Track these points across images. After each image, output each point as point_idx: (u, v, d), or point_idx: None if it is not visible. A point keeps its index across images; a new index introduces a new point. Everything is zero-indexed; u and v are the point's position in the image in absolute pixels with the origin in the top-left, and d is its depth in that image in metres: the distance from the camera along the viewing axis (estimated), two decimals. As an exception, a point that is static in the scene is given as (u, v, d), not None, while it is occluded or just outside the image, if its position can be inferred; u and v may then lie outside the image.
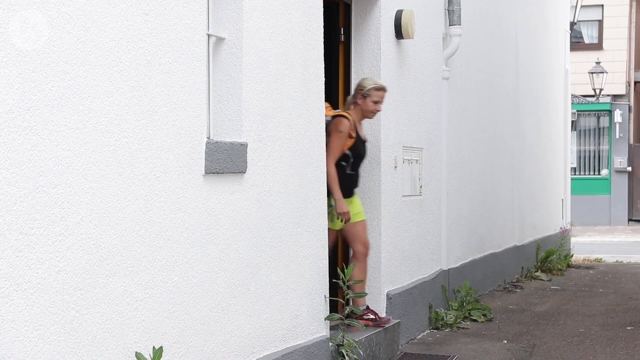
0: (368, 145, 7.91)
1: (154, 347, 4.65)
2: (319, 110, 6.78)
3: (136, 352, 4.62)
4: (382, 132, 8.27)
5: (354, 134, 7.43)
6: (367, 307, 7.86)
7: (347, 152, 7.45)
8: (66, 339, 4.20)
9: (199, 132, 5.26)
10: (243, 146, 5.71)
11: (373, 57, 8.25)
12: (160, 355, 4.62)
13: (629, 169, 27.32)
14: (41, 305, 4.05)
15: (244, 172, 5.72)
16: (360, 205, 7.78)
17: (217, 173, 5.42)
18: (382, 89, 7.57)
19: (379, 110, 7.66)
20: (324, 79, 6.86)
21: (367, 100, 7.56)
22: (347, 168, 7.45)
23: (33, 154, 3.99)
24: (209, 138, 5.50)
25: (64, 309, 4.19)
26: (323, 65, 6.84)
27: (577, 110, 26.55)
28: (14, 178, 3.89)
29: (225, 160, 5.49)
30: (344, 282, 7.15)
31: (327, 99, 7.05)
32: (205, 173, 5.30)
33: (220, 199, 5.49)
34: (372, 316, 7.79)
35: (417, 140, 9.27)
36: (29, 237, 3.98)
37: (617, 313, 10.74)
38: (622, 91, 27.78)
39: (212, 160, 5.35)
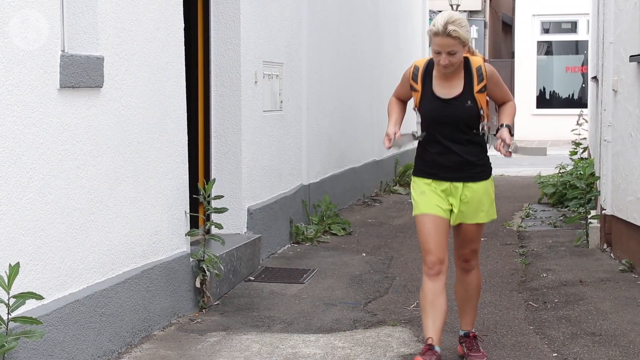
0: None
1: (10, 265, 4.56)
2: (178, 23, 6.66)
3: (-9, 270, 4.52)
4: (242, 46, 8.19)
5: (417, 87, 5.52)
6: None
7: (414, 110, 5.60)
8: None
9: (53, 45, 5.10)
10: (99, 60, 5.57)
11: (232, -31, 8.13)
12: (17, 273, 4.53)
13: (484, 84, 27.88)
14: None
15: (101, 87, 5.60)
16: (438, 197, 5.56)
17: (73, 87, 5.29)
18: (437, 33, 5.27)
19: (444, 65, 5.34)
20: (182, -8, 6.73)
21: (431, 46, 5.42)
22: (417, 133, 5.60)
23: None
24: (63, 51, 5.35)
25: None
26: (181, -22, 6.70)
27: (435, 26, 26.83)
28: None
29: (81, 74, 5.35)
30: (204, 198, 7.12)
31: (185, 13, 6.92)
32: (60, 87, 5.16)
33: (77, 113, 5.36)
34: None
35: (277, 55, 9.22)
36: None
37: (472, 225, 11.00)
38: (478, 7, 28.18)
39: (67, 74, 5.21)
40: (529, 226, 10.83)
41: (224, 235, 7.63)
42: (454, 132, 5.47)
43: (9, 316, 4.54)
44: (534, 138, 26.13)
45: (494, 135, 5.57)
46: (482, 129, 5.53)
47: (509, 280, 8.02)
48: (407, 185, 14.85)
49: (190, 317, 6.73)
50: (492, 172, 5.68)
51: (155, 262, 6.33)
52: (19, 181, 4.83)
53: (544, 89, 27.65)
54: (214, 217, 7.80)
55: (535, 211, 12.01)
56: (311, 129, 10.49)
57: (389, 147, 5.51)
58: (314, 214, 10.34)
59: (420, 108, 5.54)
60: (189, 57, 7.41)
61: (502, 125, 5.55)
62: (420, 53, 17.67)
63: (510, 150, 5.43)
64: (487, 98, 5.56)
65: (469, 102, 5.44)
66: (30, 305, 4.83)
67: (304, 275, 8.11)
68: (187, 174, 6.86)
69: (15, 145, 4.78)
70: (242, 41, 8.20)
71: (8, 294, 4.52)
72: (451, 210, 5.57)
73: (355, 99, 12.64)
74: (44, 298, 4.80)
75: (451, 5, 26.95)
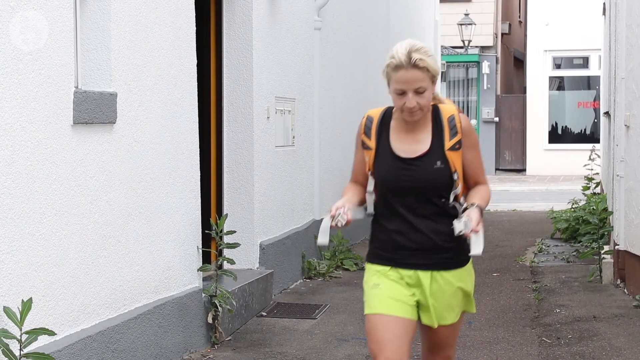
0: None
1: (22, 301, 4.56)
2: (191, 59, 6.69)
3: (4, 306, 4.52)
4: (254, 82, 8.22)
5: (370, 143, 4.26)
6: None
7: (369, 173, 4.28)
8: None
9: (67, 81, 5.13)
10: (112, 96, 5.60)
11: (245, 6, 8.18)
12: (29, 309, 4.53)
13: (496, 119, 27.84)
14: None
15: (114, 123, 5.62)
16: (398, 290, 4.24)
17: (86, 123, 5.31)
18: (399, 65, 4.07)
19: (411, 109, 4.09)
20: (195, 28, 6.77)
21: (390, 87, 4.15)
22: (371, 205, 4.33)
23: None
24: (77, 87, 5.38)
25: None
26: (194, 14, 6.75)
27: (447, 62, 26.89)
28: None
29: (94, 110, 5.38)
30: (216, 233, 7.13)
31: (198, 49, 6.96)
32: (74, 123, 5.19)
33: (90, 149, 5.38)
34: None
35: (290, 90, 9.25)
36: None
37: (483, 260, 10.98)
38: (490, 42, 28.24)
39: (80, 110, 5.23)
40: (542, 261, 10.79)
41: (236, 270, 7.62)
42: (419, 202, 4.14)
43: (21, 352, 4.53)
44: (547, 173, 26.09)
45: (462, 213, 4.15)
46: (455, 199, 4.17)
47: (522, 315, 7.98)
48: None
49: (202, 353, 6.72)
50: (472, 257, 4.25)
51: (168, 297, 6.32)
52: (32, 217, 4.84)
53: (556, 124, 27.64)
54: (226, 252, 7.79)
55: (548, 246, 11.97)
56: (323, 164, 10.50)
57: (332, 226, 4.09)
58: (326, 249, 10.34)
59: (374, 171, 4.22)
60: (202, 93, 7.45)
61: (472, 205, 4.11)
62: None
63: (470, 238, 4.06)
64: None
65: (439, 162, 4.12)
66: (42, 341, 4.82)
67: (316, 311, 8.09)
68: (200, 209, 6.87)
69: (28, 181, 4.80)
70: (255, 77, 8.23)
71: (20, 329, 4.52)
72: (418, 305, 4.22)
73: (367, 134, 12.62)
74: (56, 334, 4.80)
75: (463, 41, 27.02)
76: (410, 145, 4.18)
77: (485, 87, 28.12)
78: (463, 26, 26.93)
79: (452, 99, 28.35)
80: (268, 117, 8.59)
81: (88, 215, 5.37)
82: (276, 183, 8.86)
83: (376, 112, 4.29)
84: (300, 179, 9.63)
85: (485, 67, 27.87)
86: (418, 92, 4.05)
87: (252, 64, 8.14)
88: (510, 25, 29.81)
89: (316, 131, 10.23)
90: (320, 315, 7.97)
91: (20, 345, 4.53)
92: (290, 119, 9.31)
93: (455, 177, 4.16)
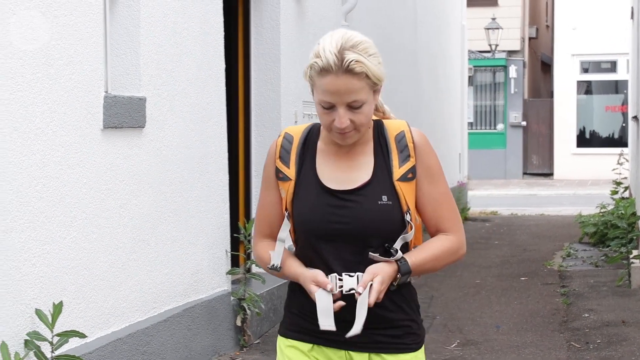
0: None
1: (53, 303, 4.60)
2: (219, 64, 6.73)
3: (35, 308, 4.57)
4: (282, 86, 8.25)
5: (288, 172, 3.04)
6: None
7: (286, 216, 3.04)
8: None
9: (97, 86, 5.18)
10: (142, 100, 5.64)
11: (272, 11, 8.21)
12: (60, 311, 4.57)
13: (524, 123, 27.77)
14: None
15: (143, 127, 5.66)
16: None
17: (116, 127, 5.35)
18: (327, 68, 2.85)
19: (342, 130, 2.90)
20: (223, 33, 6.81)
21: (315, 97, 2.95)
22: (274, 261, 3.08)
23: None
24: (106, 92, 5.43)
25: (-40, 266, 4.11)
26: (222, 19, 6.79)
27: (474, 66, 26.84)
28: None
29: (124, 114, 5.42)
30: (245, 237, 7.15)
31: (226, 53, 7.00)
32: (104, 127, 5.23)
33: (119, 153, 5.42)
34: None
35: (317, 94, 9.27)
36: None
37: (511, 264, 10.97)
38: (517, 47, 28.17)
39: (110, 115, 5.28)
40: (570, 266, 10.76)
41: (265, 273, 7.63)
42: (356, 253, 2.93)
43: (53, 354, 4.58)
44: (574, 177, 25.99)
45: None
46: (405, 248, 2.98)
47: (550, 320, 7.96)
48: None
49: (231, 356, 6.75)
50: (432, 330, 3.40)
51: (197, 300, 6.35)
52: (63, 220, 4.88)
53: (584, 128, 27.52)
54: (254, 256, 7.82)
55: (576, 250, 11.93)
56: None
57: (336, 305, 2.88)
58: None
59: (293, 211, 3.01)
60: (230, 97, 7.48)
61: (398, 258, 2.91)
62: (459, 94, 17.68)
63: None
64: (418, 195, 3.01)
65: (385, 197, 2.94)
66: (73, 344, 4.86)
67: (344, 315, 8.08)
68: (228, 212, 6.91)
69: (59, 185, 4.85)
70: (282, 81, 8.26)
71: (52, 332, 4.56)
72: None
73: (394, 138, 12.63)
74: (86, 336, 4.84)
75: (490, 45, 26.98)
76: (345, 173, 2.98)
77: (512, 92, 28.05)
78: (490, 30, 26.89)
79: (479, 103, 28.34)
80: (296, 121, 8.62)
81: (118, 218, 5.41)
82: (304, 187, 8.87)
83: (297, 130, 3.07)
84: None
85: (513, 72, 27.80)
86: (352, 106, 2.84)
87: (280, 68, 8.17)
88: (537, 29, 29.72)
89: (343, 135, 10.24)
90: (348, 319, 7.96)
91: (52, 347, 4.57)
92: (318, 123, 9.31)
93: (408, 217, 2.94)
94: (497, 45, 27.14)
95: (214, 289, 6.63)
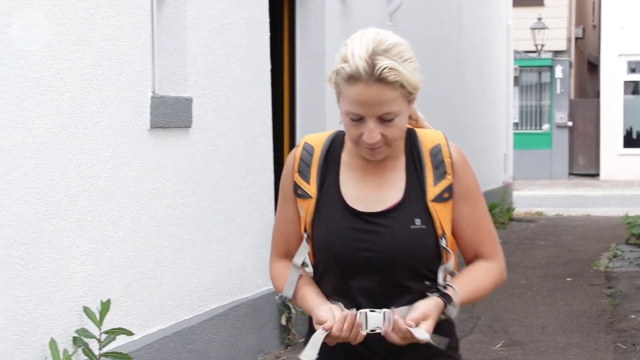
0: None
1: (101, 301, 4.66)
2: (265, 65, 6.76)
3: (84, 306, 4.63)
4: (327, 86, 8.26)
5: (309, 188, 2.67)
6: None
7: (305, 239, 2.69)
8: (12, 294, 4.19)
9: (144, 86, 5.23)
10: (188, 101, 5.69)
11: (317, 11, 8.23)
12: (108, 309, 4.63)
13: (570, 123, 27.59)
14: (-13, 260, 4.03)
15: (190, 127, 5.71)
16: None
17: (163, 127, 5.40)
18: (356, 76, 2.49)
19: (372, 146, 2.54)
20: (269, 34, 6.84)
21: (341, 106, 2.61)
22: (285, 293, 2.78)
23: (-24, 108, 3.95)
24: (154, 93, 5.48)
25: (9, 263, 4.18)
26: (268, 20, 6.82)
27: (519, 66, 26.72)
28: (-43, 132, 3.85)
29: (171, 114, 5.47)
30: (289, 236, 7.17)
31: (271, 54, 7.03)
32: (151, 127, 5.29)
33: (166, 153, 5.48)
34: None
35: (362, 95, 9.28)
36: (-26, 191, 3.95)
37: (557, 265, 10.91)
38: (563, 47, 27.99)
39: (157, 115, 5.33)
40: (617, 267, 10.68)
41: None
42: (386, 286, 2.59)
43: (101, 351, 4.63)
44: (621, 178, 25.77)
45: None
46: (445, 279, 2.61)
47: (596, 321, 7.91)
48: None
49: (275, 355, 6.78)
50: None
51: (242, 299, 6.40)
52: (111, 219, 4.94)
53: (631, 128, 27.28)
54: (299, 255, 7.85)
55: (622, 252, 11.84)
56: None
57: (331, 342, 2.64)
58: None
59: (313, 233, 2.65)
60: (275, 98, 7.52)
61: (441, 294, 2.57)
62: (505, 94, 17.61)
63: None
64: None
65: (418, 220, 2.58)
66: (120, 341, 4.92)
67: (389, 315, 8.09)
68: (273, 212, 6.94)
69: (107, 184, 4.90)
70: (327, 71, 8.27)
71: (99, 329, 4.62)
72: None
73: (439, 138, 12.61)
74: (134, 334, 4.89)
75: (536, 45, 26.83)
76: (373, 191, 2.62)
77: (558, 92, 27.87)
78: (536, 30, 26.74)
79: (524, 103, 28.20)
80: (340, 122, 8.62)
81: (164, 217, 5.46)
82: (348, 187, 8.89)
83: (318, 140, 2.72)
84: (372, 183, 9.65)
85: (559, 72, 27.63)
86: (384, 119, 2.51)
87: (325, 69, 8.19)
88: (584, 29, 29.52)
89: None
90: (393, 318, 7.98)
91: (100, 345, 4.63)
92: (363, 123, 9.33)
93: (444, 243, 2.59)
94: (543, 46, 26.99)
95: (259, 288, 6.67)
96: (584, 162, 27.88)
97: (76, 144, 4.64)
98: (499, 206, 15.38)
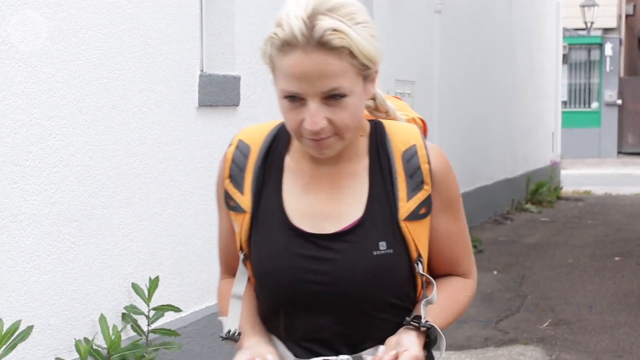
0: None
1: (150, 278, 4.71)
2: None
3: (132, 282, 4.67)
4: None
5: (242, 200, 2.14)
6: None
7: (241, 260, 2.16)
8: (62, 270, 4.24)
9: (192, 64, 5.26)
10: (236, 79, 5.71)
11: (365, -11, 8.22)
12: (156, 286, 4.67)
13: (619, 102, 27.33)
14: (37, 237, 4.09)
15: (237, 105, 5.73)
16: None
17: (211, 106, 5.43)
18: (291, 41, 1.91)
19: (316, 135, 1.93)
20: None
21: (276, 85, 2.03)
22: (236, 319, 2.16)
23: (27, 87, 3.99)
24: (202, 71, 5.50)
25: (60, 240, 4.23)
26: None
27: (569, 44, 26.49)
28: (8, 110, 3.90)
29: (219, 93, 5.49)
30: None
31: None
32: (199, 106, 5.31)
33: (214, 131, 5.50)
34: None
35: (410, 73, 9.27)
36: (24, 168, 4.00)
37: (605, 244, 10.84)
38: (613, 24, 27.69)
39: (205, 93, 5.35)
40: (666, 246, 10.60)
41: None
42: (341, 325, 2.05)
43: (149, 327, 4.68)
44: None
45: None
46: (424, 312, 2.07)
47: (644, 301, 7.87)
48: (539, 203, 14.71)
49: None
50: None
51: (289, 277, 6.42)
52: (160, 197, 4.98)
53: (682, 106, 26.98)
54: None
55: (672, 231, 11.75)
56: (442, 147, 10.44)
57: None
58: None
59: (251, 256, 2.14)
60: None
61: (415, 322, 2.04)
62: (554, 72, 17.47)
63: None
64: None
65: (383, 244, 2.02)
66: (168, 318, 4.96)
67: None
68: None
69: (156, 162, 4.94)
70: (375, 60, 8.26)
71: (148, 306, 4.66)
72: None
73: (487, 115, 12.57)
74: (181, 310, 4.93)
75: (585, 23, 26.57)
76: (325, 206, 2.04)
77: (607, 70, 27.61)
78: (586, 8, 26.48)
79: (573, 81, 27.95)
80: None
81: (212, 196, 5.48)
82: (395, 165, 8.89)
83: (257, 136, 2.15)
84: (419, 161, 9.64)
85: (608, 49, 27.36)
86: (331, 98, 1.92)
87: (372, 47, 8.18)
88: (634, 6, 29.18)
89: (435, 114, 10.23)
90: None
91: (148, 321, 4.67)
92: (410, 101, 9.32)
93: (420, 269, 2.05)
94: (592, 23, 26.72)
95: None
96: (633, 141, 27.62)
97: (125, 122, 4.67)
98: (546, 185, 15.30)
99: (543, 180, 15.49)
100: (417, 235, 2.01)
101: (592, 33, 27.18)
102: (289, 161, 2.08)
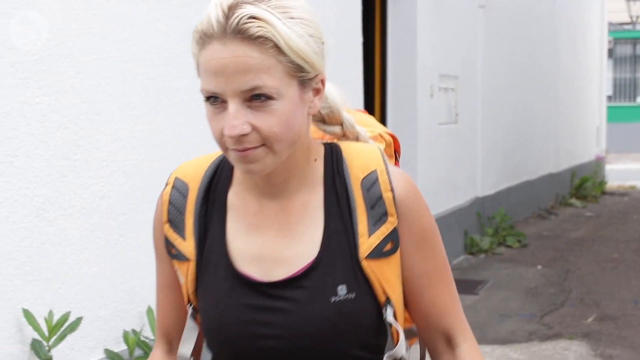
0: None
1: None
2: (356, 38, 6.78)
3: (178, 275, 4.72)
4: (418, 59, 8.27)
5: (183, 247, 1.80)
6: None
7: (190, 314, 1.81)
8: (110, 262, 4.31)
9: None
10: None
11: (408, -16, 8.23)
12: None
13: (665, 97, 27.12)
14: (86, 229, 4.15)
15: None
16: None
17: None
18: (209, 33, 1.62)
19: (233, 136, 1.59)
20: (360, 6, 6.85)
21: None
22: None
23: (75, 82, 4.06)
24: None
25: (109, 233, 4.29)
26: (360, 9, 6.84)
27: (614, 38, 26.29)
28: (57, 105, 3.96)
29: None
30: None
31: (362, 27, 7.05)
32: (244, 100, 5.35)
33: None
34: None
35: (453, 68, 9.26)
36: (74, 162, 4.07)
37: (649, 239, 10.78)
38: (660, 18, 27.46)
39: (250, 88, 5.39)
40: None
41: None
42: None
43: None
44: None
45: None
46: None
47: (690, 296, 7.82)
48: (584, 198, 14.64)
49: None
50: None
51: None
52: (205, 190, 5.02)
53: None
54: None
55: None
56: (486, 142, 10.48)
57: None
58: (489, 225, 10.32)
59: (202, 309, 1.78)
60: (366, 70, 7.55)
61: None
62: (598, 66, 17.36)
63: None
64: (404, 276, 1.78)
65: (342, 288, 1.70)
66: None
67: (479, 287, 8.11)
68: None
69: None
70: (419, 55, 8.28)
71: (194, 298, 4.71)
72: None
73: (531, 110, 12.53)
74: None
75: (631, 17, 26.35)
76: (274, 248, 1.75)
77: (653, 64, 27.37)
78: (631, 2, 26.26)
79: (618, 76, 27.73)
80: (432, 95, 8.63)
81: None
82: (439, 160, 8.90)
83: (195, 171, 1.84)
84: (462, 156, 9.64)
85: (653, 43, 27.12)
86: (254, 98, 1.61)
87: (417, 43, 8.19)
88: (680, -1, 28.90)
89: (479, 109, 10.22)
90: (483, 291, 7.99)
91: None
92: (454, 96, 9.32)
93: (389, 315, 1.74)
94: (638, 17, 26.49)
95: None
96: None
97: (170, 116, 4.72)
98: (591, 180, 15.22)
99: (587, 175, 15.41)
100: (384, 276, 1.71)
101: (638, 27, 26.95)
102: (232, 197, 1.78)
